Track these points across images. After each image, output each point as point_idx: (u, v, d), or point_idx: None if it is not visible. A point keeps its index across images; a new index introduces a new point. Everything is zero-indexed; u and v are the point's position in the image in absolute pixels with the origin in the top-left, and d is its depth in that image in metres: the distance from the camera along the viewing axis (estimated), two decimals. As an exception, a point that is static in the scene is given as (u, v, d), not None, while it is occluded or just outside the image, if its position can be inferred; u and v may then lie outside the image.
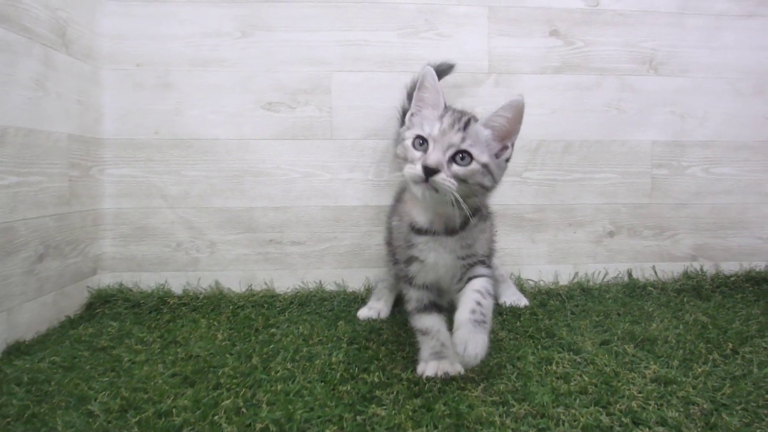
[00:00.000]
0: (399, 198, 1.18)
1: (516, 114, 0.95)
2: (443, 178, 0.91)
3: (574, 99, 1.61)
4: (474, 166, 0.93)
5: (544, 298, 1.53)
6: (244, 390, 0.94)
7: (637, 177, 1.64)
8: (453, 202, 0.92)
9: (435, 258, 1.02)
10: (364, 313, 1.38)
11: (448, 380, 0.97)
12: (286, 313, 1.41)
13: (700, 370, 1.01)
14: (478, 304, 0.97)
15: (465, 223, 1.01)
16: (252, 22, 1.51)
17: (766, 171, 1.67)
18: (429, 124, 0.96)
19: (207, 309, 1.44)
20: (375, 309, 1.39)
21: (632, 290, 1.57)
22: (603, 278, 1.63)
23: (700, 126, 1.65)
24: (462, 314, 0.95)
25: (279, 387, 0.95)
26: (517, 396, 0.92)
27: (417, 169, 0.92)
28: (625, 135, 1.63)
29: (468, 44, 1.57)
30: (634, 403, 0.88)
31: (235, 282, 1.54)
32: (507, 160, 1.00)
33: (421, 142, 0.95)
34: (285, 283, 1.55)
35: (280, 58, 1.53)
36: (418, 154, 0.95)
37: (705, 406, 0.87)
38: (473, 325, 0.93)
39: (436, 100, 0.99)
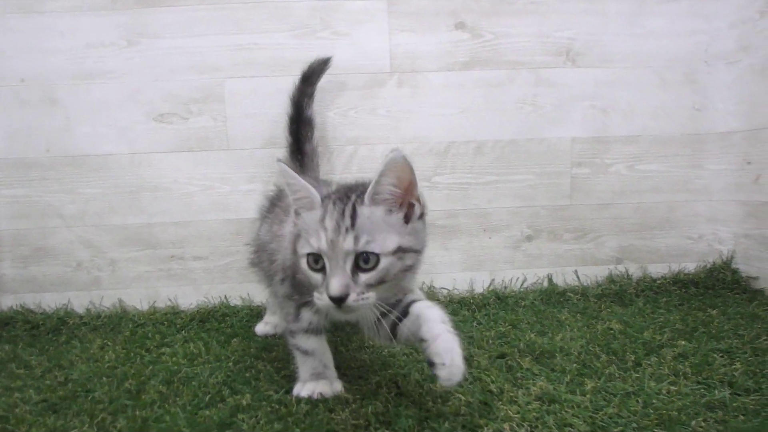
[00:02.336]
0: (273, 211, 1.12)
1: (400, 171, 0.81)
2: (354, 300, 0.79)
3: (485, 96, 1.51)
4: (383, 263, 0.80)
5: (456, 307, 1.47)
6: (103, 416, 0.92)
7: (556, 177, 1.55)
8: (374, 312, 0.82)
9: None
10: (260, 328, 1.35)
11: (319, 401, 0.94)
12: (184, 331, 1.38)
13: (590, 386, 0.95)
14: (444, 315, 0.86)
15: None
16: (136, 30, 1.44)
17: (696, 166, 1.56)
18: (314, 236, 0.81)
19: (107, 328, 1.42)
20: (271, 324, 1.35)
21: (550, 297, 1.50)
22: (521, 285, 1.56)
23: (624, 120, 1.54)
24: (434, 326, 0.83)
25: (140, 413, 0.93)
26: (383, 419, 0.88)
27: (326, 300, 0.80)
28: (542, 133, 1.53)
29: (367, 42, 1.47)
30: (506, 426, 0.84)
31: (138, 299, 1.52)
32: (422, 216, 0.87)
33: (316, 258, 0.82)
34: (189, 299, 1.52)
35: (169, 67, 1.46)
36: (318, 277, 0.82)
37: (581, 429, 0.82)
38: (452, 335, 0.82)
39: (308, 196, 0.85)
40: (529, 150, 1.53)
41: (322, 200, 0.85)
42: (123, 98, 1.46)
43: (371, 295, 0.80)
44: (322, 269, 0.82)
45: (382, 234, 0.80)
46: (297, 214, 0.89)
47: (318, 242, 0.81)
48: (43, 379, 1.10)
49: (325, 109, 1.49)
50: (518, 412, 0.87)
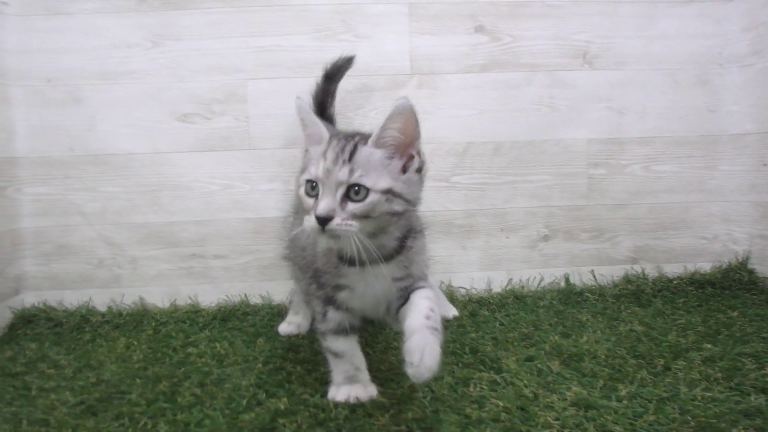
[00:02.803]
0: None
1: (406, 119, 0.85)
2: (338, 224, 0.83)
3: (503, 98, 1.53)
4: (372, 197, 0.84)
5: (475, 307, 1.47)
6: (144, 420, 0.92)
7: (573, 178, 1.56)
8: (357, 243, 0.84)
9: (367, 287, 0.94)
10: (283, 328, 1.35)
11: (357, 406, 0.94)
12: (208, 330, 1.39)
13: (625, 391, 0.95)
14: (431, 310, 0.89)
15: (401, 247, 0.93)
16: (160, 31, 1.46)
17: (709, 167, 1.58)
18: (314, 164, 0.87)
19: (129, 327, 1.42)
20: (294, 324, 1.35)
21: (568, 297, 1.51)
22: (538, 284, 1.57)
23: (639, 121, 1.56)
24: (415, 320, 0.86)
25: (180, 417, 0.93)
26: (424, 425, 0.87)
27: (312, 221, 0.83)
28: (559, 134, 1.55)
29: (388, 45, 1.50)
30: None
31: (159, 297, 1.52)
32: (419, 170, 0.90)
33: (313, 185, 0.87)
34: (209, 297, 1.53)
35: (193, 68, 1.48)
36: (311, 201, 0.86)
37: None
38: (429, 331, 0.84)
39: (318, 133, 0.90)
40: (546, 151, 1.55)
41: (330, 138, 0.90)
42: (146, 98, 1.48)
43: (354, 224, 0.84)
44: (316, 196, 0.87)
45: (376, 173, 0.85)
46: (306, 151, 0.93)
47: (316, 170, 0.86)
48: (75, 379, 1.11)
49: (345, 110, 1.51)
50: (557, 419, 0.87)
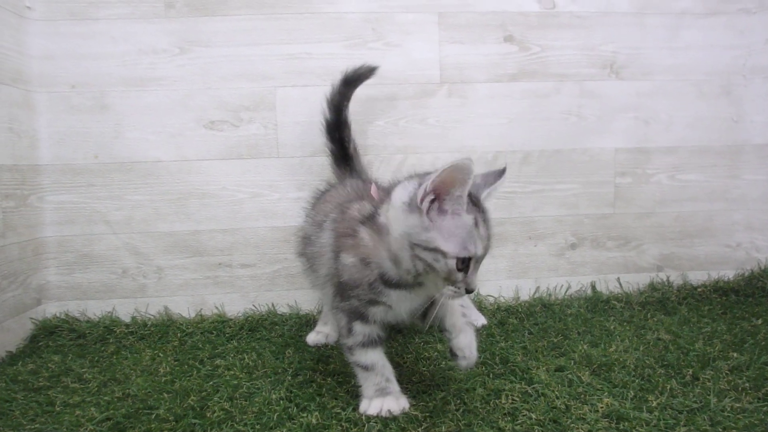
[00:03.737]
0: (317, 206, 1.14)
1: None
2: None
3: (532, 107, 1.54)
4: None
5: (503, 315, 1.47)
6: None
7: (600, 186, 1.58)
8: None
9: (406, 303, 0.95)
10: (312, 338, 1.33)
11: (389, 420, 0.93)
12: (235, 341, 1.37)
13: (655, 402, 0.95)
14: (463, 307, 1.00)
15: None
16: (189, 37, 1.45)
17: (733, 176, 1.60)
18: (472, 242, 0.85)
19: (154, 338, 1.40)
20: (323, 333, 1.34)
21: (595, 305, 1.52)
22: (566, 292, 1.58)
23: (665, 131, 1.58)
24: (456, 319, 0.97)
25: None
26: None
27: (461, 293, 0.87)
28: (586, 143, 1.56)
29: (418, 53, 1.50)
30: None
31: (185, 307, 1.50)
32: None
33: (465, 261, 0.85)
34: (236, 307, 1.51)
35: (221, 75, 1.46)
36: (460, 276, 0.86)
37: None
38: (470, 327, 0.98)
39: (462, 195, 0.84)
40: (574, 160, 1.56)
41: (471, 209, 0.87)
42: (173, 105, 1.46)
43: None
44: (464, 269, 0.87)
45: None
46: (433, 202, 0.86)
47: (475, 248, 0.86)
48: (100, 394, 1.08)
49: (375, 119, 1.51)
50: (589, 431, 0.87)
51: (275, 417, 0.95)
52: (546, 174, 1.56)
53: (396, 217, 0.86)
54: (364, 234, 0.93)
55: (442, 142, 1.53)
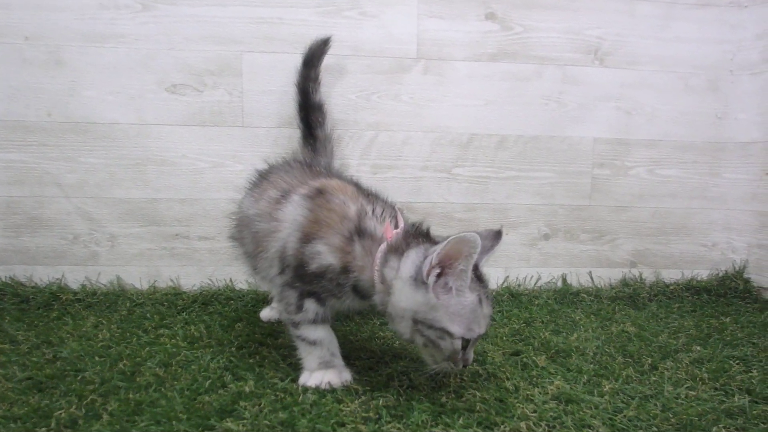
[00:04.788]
0: (261, 185, 1.08)
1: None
2: None
3: (511, 90, 1.48)
4: None
5: (469, 303, 1.44)
6: (92, 398, 0.85)
7: (577, 177, 1.52)
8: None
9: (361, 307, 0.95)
10: (266, 313, 1.29)
11: (327, 391, 0.89)
12: (185, 313, 1.31)
13: (608, 387, 0.93)
14: None
15: None
16: (153, -7, 1.37)
17: (713, 174, 1.56)
18: (476, 323, 0.84)
19: (102, 306, 1.34)
20: (277, 309, 1.29)
21: (564, 297, 1.49)
22: (535, 283, 1.53)
23: (647, 123, 1.53)
24: None
25: (133, 396, 0.87)
26: (394, 412, 0.83)
27: (459, 367, 0.87)
28: (566, 131, 1.51)
29: (395, 26, 1.43)
30: (522, 425, 0.80)
31: (138, 278, 1.44)
32: None
33: (468, 340, 0.85)
34: (192, 280, 1.45)
35: (186, 36, 1.38)
36: (459, 354, 0.86)
37: (600, 430, 0.79)
38: None
39: (467, 270, 0.82)
40: (551, 147, 1.51)
41: (475, 287, 0.86)
42: (134, 65, 1.38)
43: None
44: (465, 346, 0.86)
45: None
46: (443, 277, 0.84)
47: (479, 329, 0.85)
48: (29, 355, 1.03)
49: (346, 91, 1.44)
50: (535, 411, 0.85)
51: (207, 384, 0.92)
52: (522, 160, 1.50)
53: (401, 289, 0.84)
54: (359, 250, 0.89)
55: (415, 120, 1.46)
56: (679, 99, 1.52)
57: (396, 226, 0.90)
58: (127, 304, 1.34)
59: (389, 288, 0.85)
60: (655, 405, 0.87)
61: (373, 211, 0.92)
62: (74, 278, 1.42)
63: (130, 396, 0.87)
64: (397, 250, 0.86)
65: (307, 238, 0.90)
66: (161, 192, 1.43)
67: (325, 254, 0.89)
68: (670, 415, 0.84)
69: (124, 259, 1.44)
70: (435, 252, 0.80)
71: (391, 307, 0.85)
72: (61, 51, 1.36)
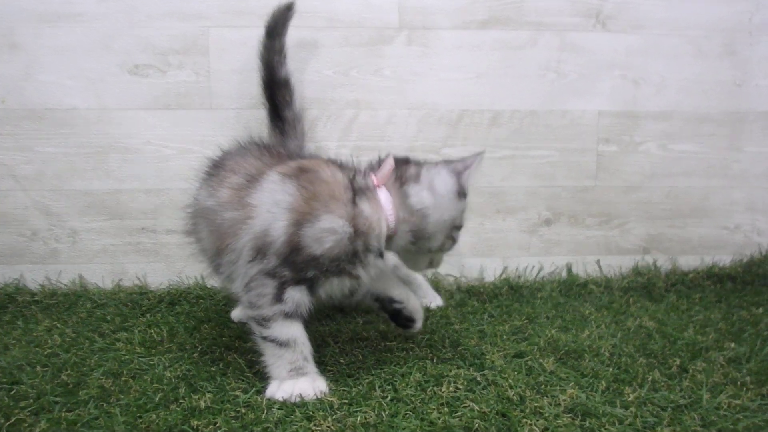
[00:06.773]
0: (218, 174, 0.97)
1: None
2: None
3: (504, 60, 1.36)
4: None
5: (463, 297, 1.31)
6: (20, 416, 0.75)
7: (580, 155, 1.40)
8: None
9: (375, 275, 0.91)
10: (237, 313, 1.17)
11: (296, 405, 0.78)
12: (150, 314, 1.20)
13: (632, 396, 0.80)
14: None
15: None
16: (111, -33, 1.27)
17: (734, 148, 1.42)
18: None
19: (61, 308, 1.23)
20: (243, 303, 1.16)
21: (570, 288, 1.35)
22: (537, 274, 1.41)
23: (657, 94, 1.39)
24: (402, 287, 1.02)
25: (67, 415, 0.76)
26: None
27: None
28: (566, 104, 1.38)
29: (374, -7, 1.32)
30: None
31: (101, 277, 1.33)
32: None
33: None
34: (160, 278, 1.34)
35: (148, 12, 1.29)
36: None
37: None
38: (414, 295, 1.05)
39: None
40: (551, 123, 1.38)
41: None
42: (93, 46, 1.29)
43: None
44: None
45: None
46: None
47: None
48: None
49: (322, 67, 1.33)
50: (546, 428, 0.71)
51: (158, 398, 0.80)
52: (518, 138, 1.38)
53: (445, 205, 0.92)
54: (365, 206, 0.87)
55: (399, 97, 1.34)
56: (691, 66, 1.39)
57: (373, 170, 0.94)
58: (88, 306, 1.24)
59: (422, 216, 0.91)
60: (693, 418, 0.74)
61: (355, 170, 0.94)
62: (33, 278, 1.32)
63: (64, 415, 0.76)
64: (409, 180, 0.92)
65: (304, 218, 0.82)
66: (125, 182, 1.32)
67: (336, 228, 0.85)
68: (714, 431, 0.71)
69: (86, 256, 1.33)
70: (472, 168, 0.94)
71: (432, 227, 0.92)
72: (14, 33, 1.27)
